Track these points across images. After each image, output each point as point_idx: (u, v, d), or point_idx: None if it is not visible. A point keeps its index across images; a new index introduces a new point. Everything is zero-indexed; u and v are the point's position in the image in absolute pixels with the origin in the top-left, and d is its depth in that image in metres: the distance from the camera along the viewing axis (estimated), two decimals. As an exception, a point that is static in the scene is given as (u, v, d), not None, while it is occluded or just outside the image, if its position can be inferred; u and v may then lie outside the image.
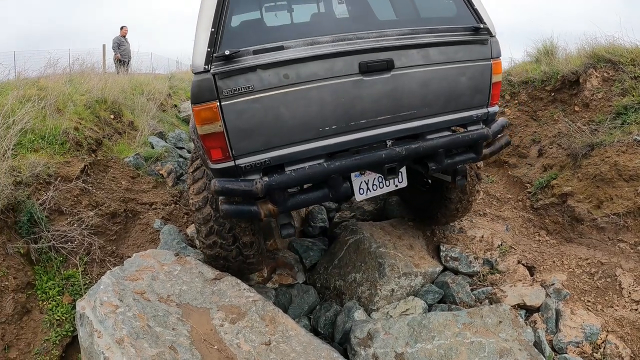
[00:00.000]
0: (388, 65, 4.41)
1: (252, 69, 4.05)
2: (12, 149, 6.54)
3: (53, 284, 5.88)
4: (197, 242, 6.73)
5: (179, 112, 13.65)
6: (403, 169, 5.03)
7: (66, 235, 6.17)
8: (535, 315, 6.12)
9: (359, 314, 6.05)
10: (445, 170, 5.56)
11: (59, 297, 5.78)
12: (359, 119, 4.44)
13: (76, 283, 5.96)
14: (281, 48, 4.12)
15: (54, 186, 6.50)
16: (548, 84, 9.47)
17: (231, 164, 4.21)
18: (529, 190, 8.48)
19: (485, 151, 5.19)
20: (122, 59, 18.99)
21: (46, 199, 6.29)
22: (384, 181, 5.02)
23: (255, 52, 4.05)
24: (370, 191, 4.96)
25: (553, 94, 9.37)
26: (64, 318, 5.58)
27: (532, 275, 6.81)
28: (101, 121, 9.19)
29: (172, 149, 9.99)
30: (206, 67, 3.97)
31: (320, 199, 4.60)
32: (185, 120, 13.16)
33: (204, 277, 5.61)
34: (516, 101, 9.87)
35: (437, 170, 5.02)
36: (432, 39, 4.62)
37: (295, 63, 4.16)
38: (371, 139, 4.56)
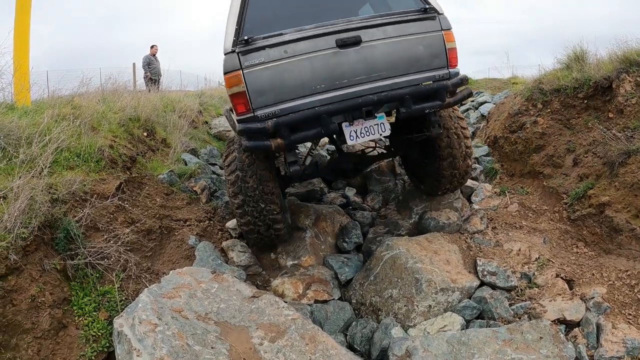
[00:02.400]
0: (357, 40, 6.01)
1: (262, 48, 5.85)
2: (49, 167, 6.63)
3: (89, 300, 5.92)
4: (234, 225, 7.85)
5: (210, 128, 13.69)
6: (385, 121, 6.29)
7: (102, 252, 6.26)
8: (576, 330, 6.03)
9: (396, 331, 6.05)
10: (424, 123, 6.93)
11: (94, 313, 5.80)
12: (340, 79, 5.99)
13: (112, 299, 5.99)
14: (280, 34, 5.92)
15: (90, 203, 6.59)
16: (580, 91, 9.24)
17: (251, 114, 5.87)
18: (565, 201, 8.34)
19: (449, 100, 6.39)
20: (153, 77, 19.14)
21: (82, 216, 6.37)
22: (370, 129, 6.23)
23: (264, 38, 5.88)
24: (359, 138, 6.18)
25: (586, 101, 9.15)
26: (99, 334, 5.59)
27: (571, 288, 6.69)
28: (134, 139, 9.28)
29: (205, 166, 10.07)
30: (233, 48, 5.81)
31: (315, 134, 6.11)
32: (217, 137, 13.25)
33: (241, 294, 5.67)
34: (549, 110, 9.67)
35: (407, 114, 6.20)
36: (388, 19, 6.22)
37: (290, 43, 5.90)
38: (352, 94, 5.99)
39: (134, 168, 8.32)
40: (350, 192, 10.24)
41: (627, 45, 9.16)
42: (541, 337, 5.41)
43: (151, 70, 19.65)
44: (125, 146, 8.65)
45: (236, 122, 6.06)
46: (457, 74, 6.49)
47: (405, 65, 6.23)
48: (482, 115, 14.18)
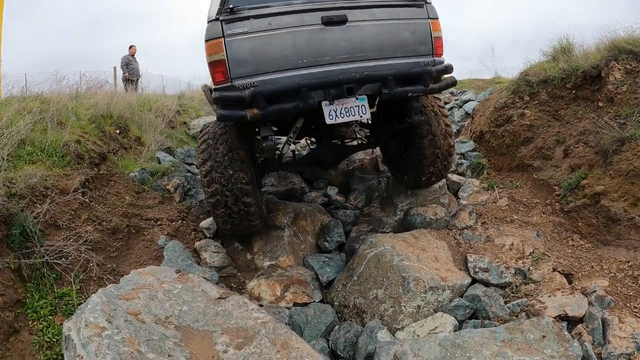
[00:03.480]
0: (343, 19, 5.75)
1: (247, 18, 5.57)
2: (9, 161, 6.18)
3: (45, 303, 5.24)
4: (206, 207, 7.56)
5: (188, 129, 13.03)
6: (367, 103, 5.93)
7: (61, 251, 5.62)
8: (579, 326, 5.34)
9: (382, 335, 5.34)
10: (405, 111, 6.64)
11: (50, 317, 5.12)
12: (323, 56, 5.71)
13: (70, 302, 5.33)
14: (267, 6, 5.69)
15: (50, 199, 6.00)
16: (568, 81, 8.74)
17: (228, 84, 5.51)
18: (557, 193, 7.71)
19: (433, 86, 6.16)
20: (131, 78, 18.50)
21: (41, 212, 5.75)
22: (350, 110, 5.87)
23: (250, 8, 5.61)
24: (338, 117, 5.81)
25: (574, 92, 8.65)
26: (54, 340, 4.89)
27: (570, 283, 6.04)
28: (106, 136, 8.65)
29: (179, 164, 9.43)
30: (217, 16, 5.50)
31: (292, 107, 5.64)
32: (195, 137, 12.48)
33: (207, 296, 4.97)
34: (536, 101, 9.14)
35: (389, 95, 5.85)
36: (377, 2, 6.00)
37: (275, 15, 5.65)
38: (335, 72, 5.69)
39: (103, 165, 7.69)
40: (332, 191, 9.58)
41: (615, 35, 8.65)
42: (544, 336, 4.71)
43: (129, 71, 18.94)
44: (95, 142, 8.00)
45: (213, 94, 5.72)
46: (442, 62, 6.27)
47: (390, 49, 5.99)
48: (467, 114, 13.62)
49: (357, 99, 5.84)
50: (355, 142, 8.58)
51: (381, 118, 7.62)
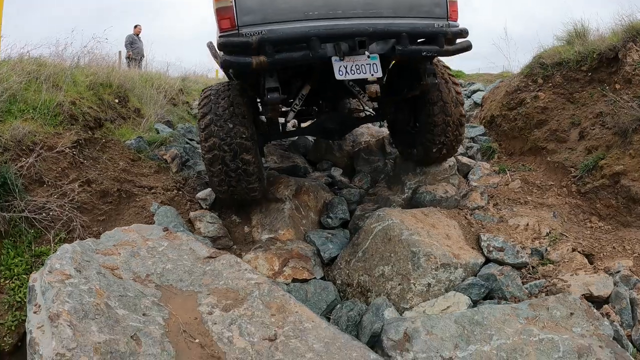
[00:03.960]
0: None
1: None
2: None
3: (20, 261, 4.89)
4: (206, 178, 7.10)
5: (190, 108, 12.62)
6: (378, 62, 5.47)
7: (43, 207, 5.24)
8: (606, 306, 4.84)
9: (389, 313, 4.77)
10: (417, 75, 6.26)
11: (24, 276, 4.73)
12: (335, 9, 5.34)
13: (48, 261, 4.79)
14: None
15: (37, 153, 5.61)
16: (584, 63, 8.29)
17: (235, 31, 5.12)
18: (573, 174, 7.22)
19: (448, 47, 5.78)
20: (134, 57, 17.95)
21: (25, 164, 5.40)
22: (361, 67, 5.42)
23: None
24: (348, 74, 5.37)
25: (590, 74, 8.20)
26: (26, 300, 4.40)
27: (591, 263, 5.55)
28: (104, 104, 8.25)
29: (178, 135, 8.93)
30: None
31: (302, 56, 5.20)
32: (197, 117, 12.04)
33: (195, 254, 4.47)
34: (550, 84, 8.65)
35: (402, 52, 5.50)
36: None
37: None
38: (345, 27, 5.29)
39: (99, 130, 7.30)
40: (337, 172, 8.96)
41: (632, 18, 8.20)
42: (572, 313, 4.18)
43: (133, 50, 18.49)
44: (91, 107, 7.58)
45: (219, 43, 5.34)
46: (457, 27, 5.88)
47: (404, 8, 5.64)
48: (476, 103, 13.08)
49: (368, 56, 5.42)
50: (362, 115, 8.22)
51: (390, 88, 7.16)
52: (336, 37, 5.30)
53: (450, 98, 6.82)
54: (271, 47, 5.06)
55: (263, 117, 7.55)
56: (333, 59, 5.35)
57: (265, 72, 5.49)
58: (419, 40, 5.88)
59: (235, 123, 5.91)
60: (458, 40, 5.98)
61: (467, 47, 6.13)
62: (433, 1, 5.75)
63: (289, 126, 8.22)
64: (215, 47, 5.99)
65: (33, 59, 8.09)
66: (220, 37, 5.22)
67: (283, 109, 6.80)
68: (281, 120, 7.63)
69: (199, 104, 6.26)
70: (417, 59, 6.09)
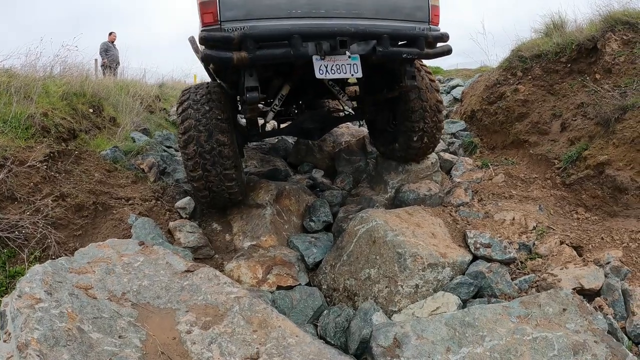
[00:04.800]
0: None
1: None
2: None
3: None
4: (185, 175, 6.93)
5: (168, 115, 12.40)
6: (359, 62, 5.51)
7: (16, 225, 5.06)
8: (598, 299, 4.73)
9: (378, 317, 4.59)
10: (397, 76, 6.30)
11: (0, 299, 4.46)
12: (318, 8, 5.33)
13: (24, 282, 4.58)
14: None
15: (7, 169, 5.45)
16: (563, 55, 8.23)
17: (217, 26, 5.05)
18: (557, 166, 7.11)
19: (429, 51, 5.88)
20: (110, 65, 17.65)
21: None
22: (342, 67, 5.46)
23: None
24: (328, 73, 5.40)
25: (569, 65, 8.12)
26: None
27: (580, 255, 5.41)
28: (78, 114, 8.06)
29: (155, 144, 8.73)
30: None
31: (283, 54, 5.20)
32: (175, 124, 11.87)
33: (172, 269, 4.26)
34: (530, 77, 8.58)
35: (383, 54, 5.49)
36: None
37: None
38: (327, 26, 5.31)
39: (73, 142, 7.13)
40: (318, 174, 8.83)
41: (610, 8, 8.17)
42: (564, 309, 4.04)
43: (108, 57, 18.22)
44: (64, 118, 7.40)
45: (201, 38, 5.24)
46: (438, 31, 5.99)
47: (386, 10, 5.68)
48: (455, 99, 13.12)
49: (349, 57, 5.44)
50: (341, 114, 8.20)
51: (370, 88, 7.27)
52: (318, 35, 5.32)
53: (425, 84, 6.92)
54: (253, 43, 5.07)
55: (242, 119, 7.49)
56: (314, 57, 5.35)
57: (245, 70, 5.44)
58: (400, 43, 5.95)
59: (214, 123, 5.92)
60: (438, 44, 6.03)
61: (447, 51, 6.18)
62: (415, 5, 5.80)
63: (268, 127, 8.19)
64: (197, 41, 5.88)
65: (3, 71, 7.91)
66: (202, 31, 5.15)
67: (263, 109, 6.74)
68: (260, 121, 7.63)
69: (178, 107, 6.24)
70: (397, 61, 6.08)
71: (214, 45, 5.14)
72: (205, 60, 5.50)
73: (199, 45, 5.74)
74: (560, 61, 8.23)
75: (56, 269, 3.83)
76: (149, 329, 3.44)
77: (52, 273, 3.73)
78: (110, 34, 19.15)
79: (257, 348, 3.43)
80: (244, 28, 5.09)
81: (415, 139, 6.95)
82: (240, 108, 7.33)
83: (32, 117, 6.55)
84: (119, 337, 3.27)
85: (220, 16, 5.07)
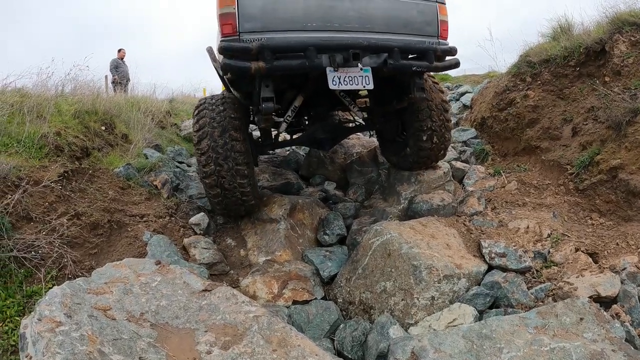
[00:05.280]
0: None
1: None
2: None
3: (12, 302, 4.66)
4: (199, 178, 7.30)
5: (179, 130, 12.45)
6: (370, 75, 5.69)
7: (32, 245, 5.06)
8: (614, 307, 4.65)
9: (395, 331, 4.59)
10: (406, 88, 6.45)
11: (17, 319, 4.51)
12: (332, 22, 5.54)
13: (41, 302, 4.63)
14: None
15: (22, 189, 5.47)
16: (571, 59, 8.21)
17: (236, 36, 5.29)
18: (570, 172, 7.08)
19: (437, 64, 6.06)
20: (120, 81, 17.87)
21: (10, 202, 5.24)
22: (354, 79, 5.63)
23: None
24: (341, 84, 5.56)
25: (578, 69, 8.09)
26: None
27: (595, 262, 5.38)
28: (90, 132, 8.09)
29: (168, 160, 8.78)
30: None
31: (298, 65, 5.39)
32: (187, 139, 11.94)
33: (190, 288, 4.24)
34: (539, 82, 8.56)
35: (394, 67, 5.69)
36: None
37: None
38: (341, 39, 5.53)
39: (86, 160, 7.18)
40: (330, 186, 8.89)
41: (616, 9, 8.13)
42: (581, 318, 4.01)
43: (119, 74, 18.39)
44: (77, 137, 7.45)
45: (219, 49, 5.45)
46: (447, 44, 6.22)
47: (397, 25, 5.91)
48: (465, 106, 13.10)
49: (361, 69, 5.65)
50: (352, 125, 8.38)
51: (380, 99, 7.46)
52: (332, 48, 5.50)
53: (428, 86, 7.07)
54: (270, 53, 5.25)
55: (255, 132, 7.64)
56: (328, 69, 5.52)
57: (261, 81, 5.61)
58: (410, 56, 6.05)
59: (228, 120, 6.23)
60: (447, 58, 6.18)
61: (455, 65, 6.35)
62: (425, 20, 6.00)
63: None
64: (215, 51, 6.16)
65: (16, 90, 7.99)
66: (221, 41, 5.33)
67: (276, 120, 6.81)
68: (274, 132, 7.94)
69: (194, 111, 6.55)
70: (407, 74, 6.18)
71: (232, 55, 5.33)
72: (224, 69, 5.60)
73: (217, 55, 5.91)
74: (569, 65, 8.20)
75: (74, 290, 3.86)
76: (169, 350, 3.46)
77: (70, 295, 3.76)
78: (120, 50, 19.28)
79: None
80: (261, 39, 5.28)
81: (424, 138, 7.07)
82: (252, 118, 7.53)
83: (45, 137, 6.61)
84: (139, 358, 3.29)
85: (239, 27, 5.28)
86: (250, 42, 5.26)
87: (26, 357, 3.15)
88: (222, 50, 5.30)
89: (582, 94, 7.82)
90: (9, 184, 5.49)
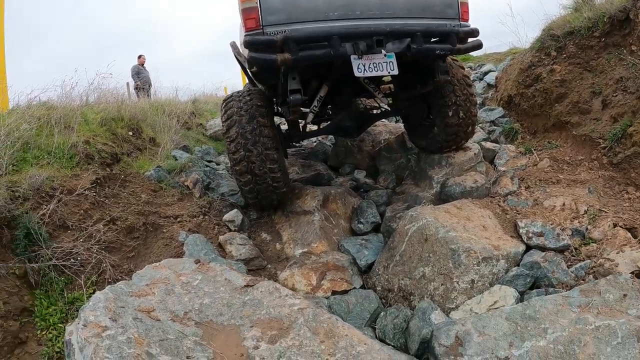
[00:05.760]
0: None
1: None
2: (14, 165, 5.95)
3: (55, 310, 4.77)
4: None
5: (205, 130, 12.61)
6: (394, 60, 5.73)
7: (70, 252, 5.16)
8: None
9: (436, 316, 4.61)
10: (430, 71, 6.56)
11: (60, 325, 4.62)
12: (354, 10, 5.58)
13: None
14: None
15: (57, 199, 5.57)
16: (595, 29, 8.05)
17: (260, 30, 5.36)
18: (602, 146, 7.00)
19: (460, 46, 6.09)
20: (142, 86, 18.18)
21: (46, 212, 5.34)
22: (378, 65, 5.69)
23: None
24: (366, 71, 5.63)
25: (603, 39, 7.93)
26: (64, 350, 4.29)
27: (635, 237, 5.29)
28: (118, 138, 8.24)
29: (197, 160, 8.92)
30: None
31: (323, 54, 5.46)
32: (213, 138, 12.12)
33: (231, 285, 4.33)
34: (564, 55, 8.42)
35: (417, 51, 5.76)
36: None
37: None
38: (364, 27, 5.57)
39: (116, 166, 7.31)
40: (360, 175, 8.95)
41: None
42: (625, 295, 4.01)
43: (141, 79, 18.81)
44: (106, 144, 7.59)
45: (244, 43, 5.61)
46: (468, 27, 6.25)
47: (418, 9, 5.95)
48: (489, 85, 12.93)
49: (385, 55, 5.69)
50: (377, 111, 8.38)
51: (404, 84, 7.54)
52: (355, 36, 5.56)
53: (447, 62, 6.92)
54: (295, 44, 5.33)
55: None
56: (352, 57, 5.58)
57: (286, 73, 5.73)
58: (432, 40, 6.16)
59: (255, 108, 6.35)
60: (469, 40, 6.28)
61: (478, 46, 6.46)
62: (445, 2, 6.03)
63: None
64: (239, 46, 6.51)
65: (42, 104, 8.10)
66: (246, 35, 5.44)
67: (303, 111, 7.01)
68: (301, 123, 8.07)
69: (222, 104, 6.70)
70: (430, 57, 6.25)
71: (258, 49, 5.41)
72: (250, 63, 5.70)
73: (242, 49, 6.13)
74: (594, 36, 8.05)
75: (117, 294, 3.94)
76: (216, 347, 3.51)
77: (113, 299, 3.84)
78: (140, 57, 19.59)
79: (327, 359, 3.49)
80: (285, 31, 5.35)
81: (450, 114, 7.10)
82: (277, 110, 7.69)
83: (75, 146, 6.72)
84: (187, 357, 3.36)
85: (262, 21, 5.35)
86: (274, 35, 5.33)
87: None
88: (247, 44, 5.38)
89: (609, 65, 7.68)
90: (43, 194, 5.59)
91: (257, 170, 6.26)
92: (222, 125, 6.53)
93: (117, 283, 4.27)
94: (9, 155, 5.75)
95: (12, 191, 5.30)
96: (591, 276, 4.86)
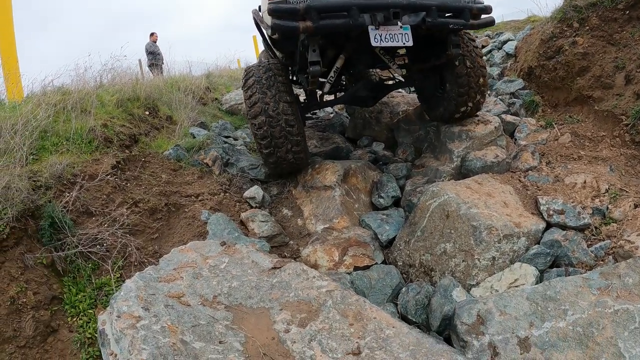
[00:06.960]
0: None
1: None
2: (33, 154, 5.95)
3: (84, 296, 4.89)
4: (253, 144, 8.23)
5: (220, 104, 12.71)
6: (410, 32, 5.97)
7: (96, 238, 5.26)
8: None
9: (458, 293, 4.79)
10: (443, 45, 6.85)
11: (90, 311, 4.77)
12: None
13: (110, 292, 4.90)
14: None
15: (79, 185, 5.68)
16: (620, 1, 7.99)
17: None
18: (625, 122, 7.02)
19: (473, 22, 6.36)
20: (156, 63, 18.56)
21: (69, 199, 5.42)
22: (395, 36, 5.92)
23: None
24: (383, 41, 5.86)
25: (628, 12, 7.90)
26: (97, 335, 4.44)
27: (656, 218, 5.41)
28: (135, 118, 8.28)
29: (215, 136, 9.02)
30: None
31: (343, 23, 5.72)
32: (229, 112, 12.23)
33: (259, 267, 4.44)
34: (587, 27, 8.38)
35: (432, 24, 6.02)
36: None
37: None
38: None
39: (135, 147, 7.37)
40: (379, 147, 9.04)
41: None
42: (645, 278, 4.09)
43: (154, 57, 19.16)
44: (123, 125, 7.64)
45: (267, 4, 5.89)
46: (482, 3, 6.55)
47: None
48: (508, 54, 12.83)
49: (401, 27, 5.96)
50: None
51: (418, 56, 7.87)
52: (373, 7, 5.82)
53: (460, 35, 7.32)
54: (316, 13, 5.59)
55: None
56: (370, 27, 5.82)
57: (305, 41, 6.13)
58: (446, 15, 6.37)
59: (274, 76, 6.76)
60: (483, 16, 6.53)
61: (491, 22, 6.73)
62: None
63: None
64: (261, 14, 6.94)
65: (57, 89, 8.13)
66: (269, 3, 5.70)
67: (320, 80, 7.20)
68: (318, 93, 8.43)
69: (243, 74, 7.12)
70: (444, 31, 6.58)
71: (281, 16, 5.66)
72: (273, 30, 5.98)
73: (264, 16, 6.51)
74: (618, 8, 8.00)
75: (146, 281, 4.07)
76: (247, 331, 3.64)
77: (144, 287, 3.96)
78: (152, 34, 19.87)
79: (356, 342, 3.60)
80: (307, 0, 5.60)
81: (457, 64, 7.36)
82: (295, 78, 8.42)
83: (93, 130, 6.81)
84: (220, 342, 3.48)
85: None
86: (297, 4, 5.59)
87: (110, 355, 3.36)
88: (271, 12, 5.66)
89: (633, 38, 7.66)
90: (65, 182, 5.68)
91: (278, 134, 6.63)
92: (244, 93, 6.87)
93: (146, 269, 4.40)
94: (28, 145, 5.85)
95: (34, 181, 5.38)
96: (611, 257, 5.01)
